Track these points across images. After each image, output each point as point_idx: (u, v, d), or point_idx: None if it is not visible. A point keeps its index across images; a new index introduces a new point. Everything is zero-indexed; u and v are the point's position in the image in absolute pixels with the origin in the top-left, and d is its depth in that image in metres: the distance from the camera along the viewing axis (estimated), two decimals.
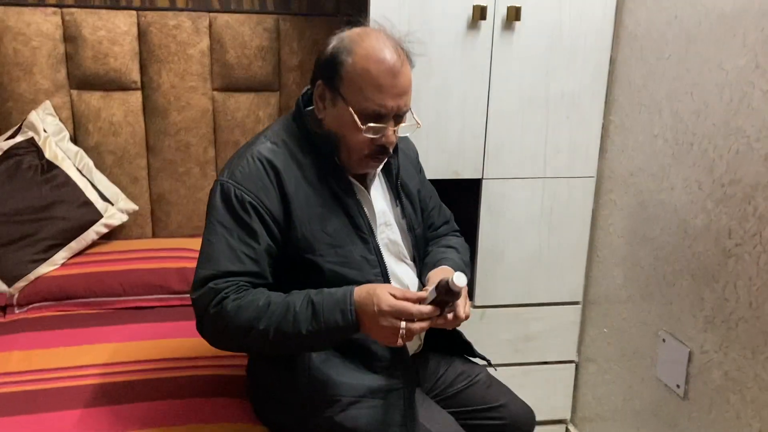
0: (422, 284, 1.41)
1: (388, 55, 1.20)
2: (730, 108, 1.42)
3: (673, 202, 1.63)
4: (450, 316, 1.20)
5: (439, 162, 1.89)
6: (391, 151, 1.27)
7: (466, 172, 1.92)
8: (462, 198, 2.23)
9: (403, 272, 1.40)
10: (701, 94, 1.52)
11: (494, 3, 1.79)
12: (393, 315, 1.09)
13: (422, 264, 1.45)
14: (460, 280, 1.08)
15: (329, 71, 1.23)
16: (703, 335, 1.53)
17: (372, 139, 1.23)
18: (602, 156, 1.97)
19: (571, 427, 2.21)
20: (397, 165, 1.42)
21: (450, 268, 1.36)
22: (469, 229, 2.07)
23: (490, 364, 1.60)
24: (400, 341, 1.09)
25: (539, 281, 2.04)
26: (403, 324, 1.09)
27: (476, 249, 1.99)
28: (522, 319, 2.07)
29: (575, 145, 1.94)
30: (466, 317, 1.26)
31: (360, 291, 1.14)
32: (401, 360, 1.32)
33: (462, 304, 1.26)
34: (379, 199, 1.38)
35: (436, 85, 1.83)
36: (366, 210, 1.33)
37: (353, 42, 1.22)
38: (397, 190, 1.42)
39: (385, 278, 1.31)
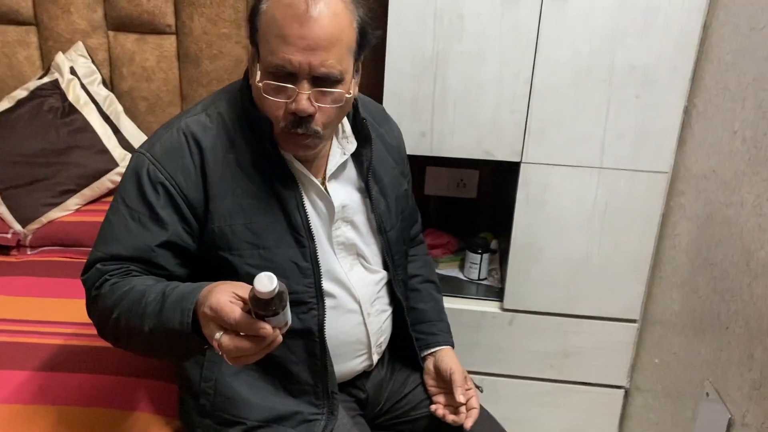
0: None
1: None
2: None
3: (740, 222, 1.24)
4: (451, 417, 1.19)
5: (467, 138, 1.61)
6: (314, 126, 1.00)
7: (501, 152, 1.62)
8: (497, 180, 1.94)
9: (357, 279, 1.17)
10: None
11: None
12: (213, 319, 0.83)
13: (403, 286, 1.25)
14: (262, 283, 0.77)
15: (251, 23, 1.01)
16: (747, 403, 1.16)
17: (286, 105, 0.99)
18: (681, 149, 1.57)
19: None
20: (369, 153, 1.17)
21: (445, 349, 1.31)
22: (503, 218, 1.78)
23: (476, 386, 1.34)
24: (225, 357, 0.84)
25: (586, 289, 1.71)
26: (218, 334, 0.82)
27: (504, 239, 1.70)
28: (561, 331, 1.76)
29: (644, 132, 1.56)
30: (468, 408, 1.21)
31: (210, 286, 0.88)
32: (325, 385, 1.12)
33: (459, 385, 1.21)
34: (340, 191, 1.15)
35: (467, 49, 1.52)
36: (311, 206, 1.11)
37: None
38: (366, 182, 1.18)
39: (318, 290, 1.09)
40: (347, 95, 1.00)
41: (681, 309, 1.50)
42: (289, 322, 0.86)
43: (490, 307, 1.78)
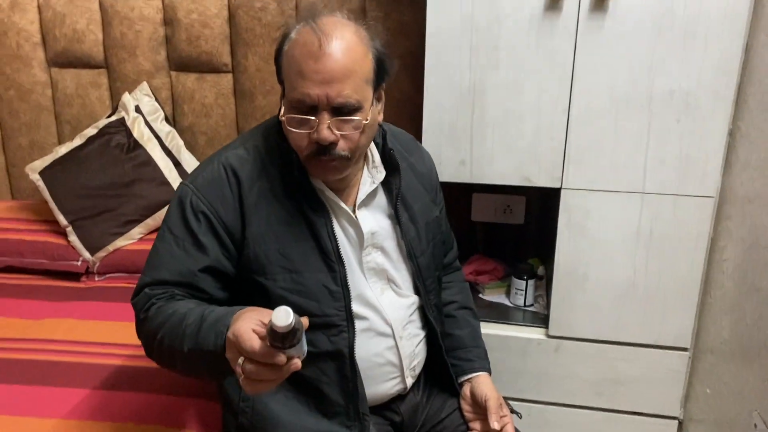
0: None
1: (314, 37, 1.02)
2: None
3: None
4: None
5: (506, 165, 1.63)
6: (338, 152, 1.06)
7: (541, 179, 1.63)
8: (545, 206, 1.93)
9: (388, 303, 1.21)
10: None
11: None
12: (234, 345, 0.88)
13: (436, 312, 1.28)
14: (279, 317, 0.80)
15: (276, 64, 1.10)
16: None
17: (309, 136, 1.05)
18: (727, 172, 1.54)
19: None
20: (398, 181, 1.22)
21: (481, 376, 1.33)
22: (551, 244, 1.78)
23: (514, 412, 1.35)
24: (242, 383, 0.88)
25: (633, 316, 1.68)
26: (240, 359, 0.87)
27: (551, 265, 1.70)
28: (609, 359, 1.73)
29: (688, 156, 1.54)
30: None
31: (240, 312, 0.93)
32: (356, 407, 1.15)
33: (494, 412, 1.22)
34: (369, 218, 1.20)
35: (504, 78, 1.56)
36: (341, 232, 1.16)
37: (296, 30, 1.06)
38: (396, 210, 1.22)
39: (348, 314, 1.14)
40: (365, 121, 1.06)
41: (730, 336, 1.46)
42: (303, 355, 0.89)
43: (536, 333, 1.78)
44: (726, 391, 1.46)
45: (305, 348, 0.88)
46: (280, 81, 1.10)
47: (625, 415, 1.77)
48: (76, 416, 1.33)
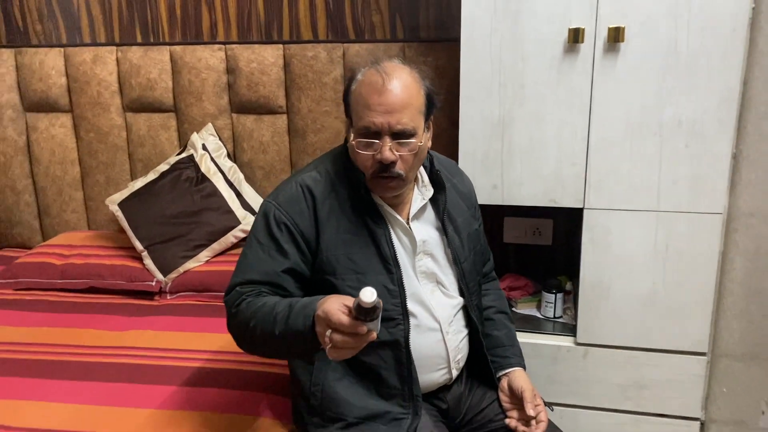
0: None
1: (378, 77, 1.27)
2: None
3: None
4: (522, 429, 1.41)
5: (534, 188, 1.84)
6: (397, 170, 1.29)
7: (565, 200, 1.83)
8: (571, 228, 2.11)
9: (437, 302, 1.42)
10: None
11: (594, 24, 1.68)
12: (324, 321, 1.07)
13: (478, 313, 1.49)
14: (366, 295, 0.99)
15: (345, 99, 1.34)
16: None
17: (373, 156, 1.28)
18: (732, 191, 1.72)
19: None
20: (444, 198, 1.44)
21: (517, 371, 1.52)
22: (577, 263, 1.96)
23: (547, 404, 1.53)
24: (329, 351, 1.08)
25: (655, 324, 1.85)
26: (328, 332, 1.06)
27: (578, 281, 1.89)
28: (635, 364, 1.90)
29: (697, 177, 1.73)
30: (537, 421, 1.40)
31: (325, 298, 1.12)
32: (410, 389, 1.35)
33: (529, 401, 1.41)
34: (421, 229, 1.42)
35: (529, 111, 1.78)
36: (397, 241, 1.38)
37: (362, 72, 1.31)
38: (443, 222, 1.45)
39: (404, 309, 1.35)
40: (419, 144, 1.30)
41: (740, 337, 1.62)
42: (378, 330, 1.08)
43: (565, 341, 1.95)
44: (739, 388, 1.62)
45: (379, 326, 1.09)
46: (348, 114, 1.34)
47: (651, 417, 1.92)
48: (168, 407, 1.55)
